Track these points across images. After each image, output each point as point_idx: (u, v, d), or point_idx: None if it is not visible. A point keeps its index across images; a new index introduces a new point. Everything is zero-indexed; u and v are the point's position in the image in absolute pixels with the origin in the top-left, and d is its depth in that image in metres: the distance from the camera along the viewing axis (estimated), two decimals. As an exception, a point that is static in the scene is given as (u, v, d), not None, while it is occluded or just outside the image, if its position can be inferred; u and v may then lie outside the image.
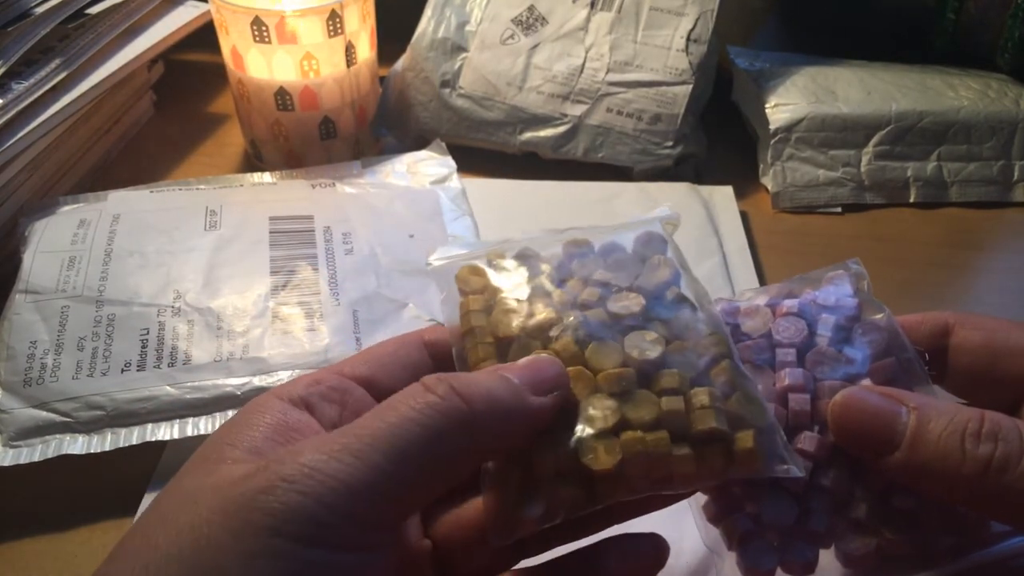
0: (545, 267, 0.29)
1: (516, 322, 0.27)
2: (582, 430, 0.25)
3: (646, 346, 0.26)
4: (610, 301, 0.27)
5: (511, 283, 0.28)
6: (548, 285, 0.28)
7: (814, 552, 0.25)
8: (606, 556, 0.26)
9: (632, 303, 0.27)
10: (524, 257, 0.30)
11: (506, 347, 0.27)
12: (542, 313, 0.27)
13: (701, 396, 0.25)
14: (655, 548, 0.26)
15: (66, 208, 0.50)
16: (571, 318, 0.27)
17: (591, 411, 0.25)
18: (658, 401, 0.25)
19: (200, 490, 0.21)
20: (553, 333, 0.27)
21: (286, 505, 0.20)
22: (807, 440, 0.26)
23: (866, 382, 0.27)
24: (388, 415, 0.22)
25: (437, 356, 0.28)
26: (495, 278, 0.29)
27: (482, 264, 0.29)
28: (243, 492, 0.20)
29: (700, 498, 0.28)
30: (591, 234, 0.30)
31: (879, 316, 0.28)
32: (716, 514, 0.27)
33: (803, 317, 0.28)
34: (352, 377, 0.26)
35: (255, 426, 0.23)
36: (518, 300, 0.28)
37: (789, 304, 0.28)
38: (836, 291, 0.29)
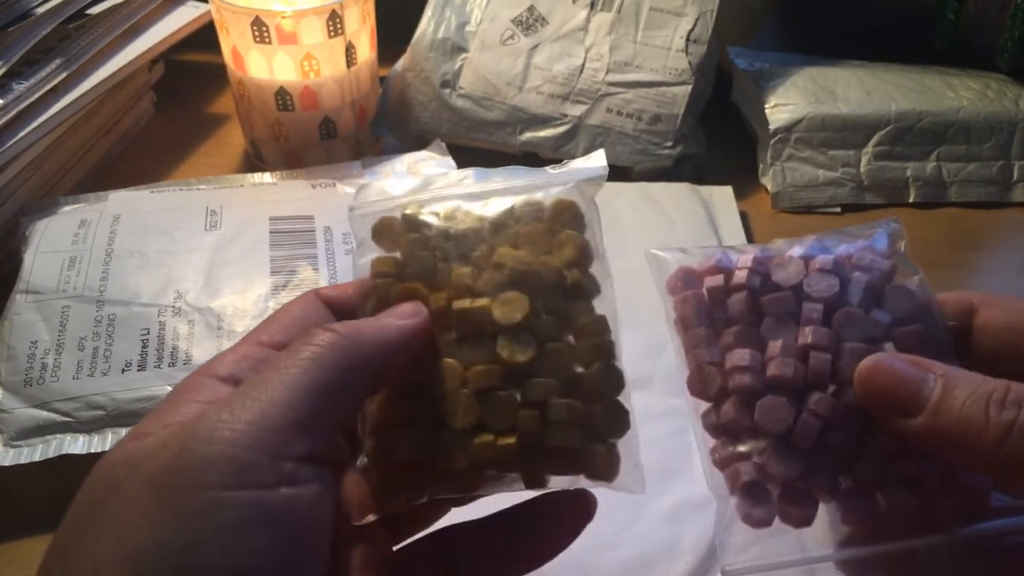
0: (458, 228, 0.28)
1: (419, 295, 0.27)
2: (440, 425, 0.25)
3: (518, 348, 0.26)
4: (495, 306, 0.26)
5: (421, 248, 0.28)
6: (454, 257, 0.28)
7: (813, 507, 0.26)
8: (531, 516, 0.27)
9: (516, 310, 0.26)
10: (447, 217, 0.28)
11: None
12: (441, 293, 0.27)
13: (560, 410, 0.25)
14: (581, 505, 0.27)
15: (67, 208, 0.50)
16: (465, 304, 0.26)
17: (451, 407, 0.25)
18: (517, 410, 0.25)
19: (121, 470, 0.21)
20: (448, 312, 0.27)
21: (203, 459, 0.20)
22: (819, 402, 0.26)
23: (889, 346, 0.26)
24: (282, 363, 0.23)
25: (338, 313, 0.29)
26: (409, 238, 0.28)
27: (399, 217, 0.28)
28: (160, 462, 0.20)
29: (709, 441, 0.28)
30: (518, 181, 0.29)
31: (913, 279, 0.28)
32: (722, 459, 0.27)
33: (836, 274, 0.27)
34: (271, 345, 0.26)
35: (184, 403, 0.24)
36: (424, 269, 0.27)
37: (823, 259, 0.28)
38: (871, 250, 0.28)
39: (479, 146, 0.60)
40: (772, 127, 0.59)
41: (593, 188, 0.30)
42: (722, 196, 0.57)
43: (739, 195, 0.57)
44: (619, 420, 0.26)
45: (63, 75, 0.52)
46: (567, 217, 0.28)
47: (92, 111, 0.56)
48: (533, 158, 0.59)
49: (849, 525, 0.26)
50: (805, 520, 0.26)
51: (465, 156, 0.58)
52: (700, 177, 0.59)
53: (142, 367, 0.40)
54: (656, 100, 0.58)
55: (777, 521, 0.26)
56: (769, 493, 0.26)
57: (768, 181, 0.59)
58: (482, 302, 0.26)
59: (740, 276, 0.28)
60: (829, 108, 0.59)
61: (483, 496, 0.26)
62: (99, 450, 0.38)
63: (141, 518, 0.20)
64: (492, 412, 0.25)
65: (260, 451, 0.21)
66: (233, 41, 0.54)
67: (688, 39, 0.59)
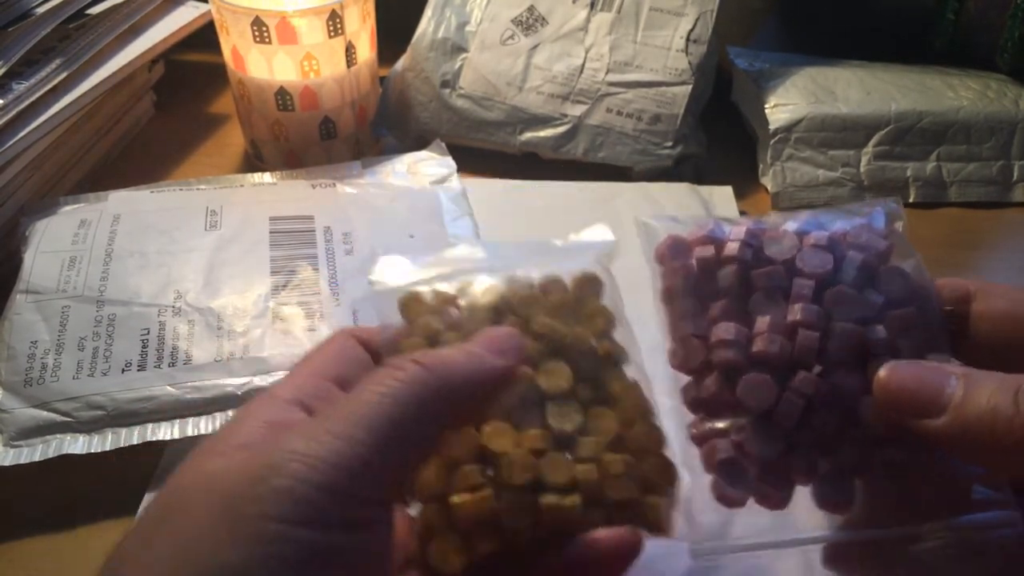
0: (483, 302, 0.28)
1: None
2: (499, 486, 0.25)
3: (566, 414, 0.26)
4: (540, 375, 0.27)
5: (449, 321, 0.28)
6: (486, 325, 0.28)
7: (790, 489, 0.25)
8: (581, 555, 0.26)
9: (561, 379, 0.27)
10: (471, 292, 0.29)
11: None
12: None
13: (617, 464, 0.26)
14: (630, 548, 0.26)
15: (67, 208, 0.50)
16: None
17: (507, 467, 0.25)
18: (574, 466, 0.25)
19: (192, 489, 0.22)
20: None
21: (274, 490, 0.20)
22: (804, 381, 0.25)
23: (881, 328, 0.26)
24: (362, 395, 0.23)
25: (374, 354, 0.29)
26: (433, 315, 0.28)
27: (425, 292, 0.29)
28: (233, 485, 0.21)
29: (687, 416, 0.27)
30: (534, 254, 0.30)
31: (910, 260, 0.27)
32: (699, 435, 0.27)
33: (830, 251, 0.27)
34: (327, 378, 0.27)
35: (251, 422, 0.24)
36: (461, 338, 0.27)
37: (818, 235, 0.27)
38: (868, 228, 0.28)
39: (479, 146, 0.60)
40: (772, 127, 0.59)
41: (607, 259, 0.31)
42: (722, 196, 0.57)
43: (739, 195, 0.57)
44: (668, 471, 0.27)
45: (63, 75, 0.52)
46: (591, 289, 0.30)
47: (92, 111, 0.56)
48: (533, 158, 0.59)
49: (826, 510, 0.25)
50: (781, 502, 0.25)
51: (465, 156, 0.58)
52: (700, 177, 0.59)
53: (142, 367, 0.40)
54: (656, 100, 0.58)
55: (751, 502, 0.25)
56: (746, 472, 0.25)
57: (768, 181, 0.59)
58: (523, 372, 0.27)
59: (732, 248, 0.27)
60: (829, 108, 0.59)
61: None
62: (99, 450, 0.38)
63: (208, 538, 0.20)
64: (551, 469, 0.25)
65: (331, 491, 0.21)
66: (233, 41, 0.54)
67: (688, 39, 0.59)
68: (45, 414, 0.39)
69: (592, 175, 0.58)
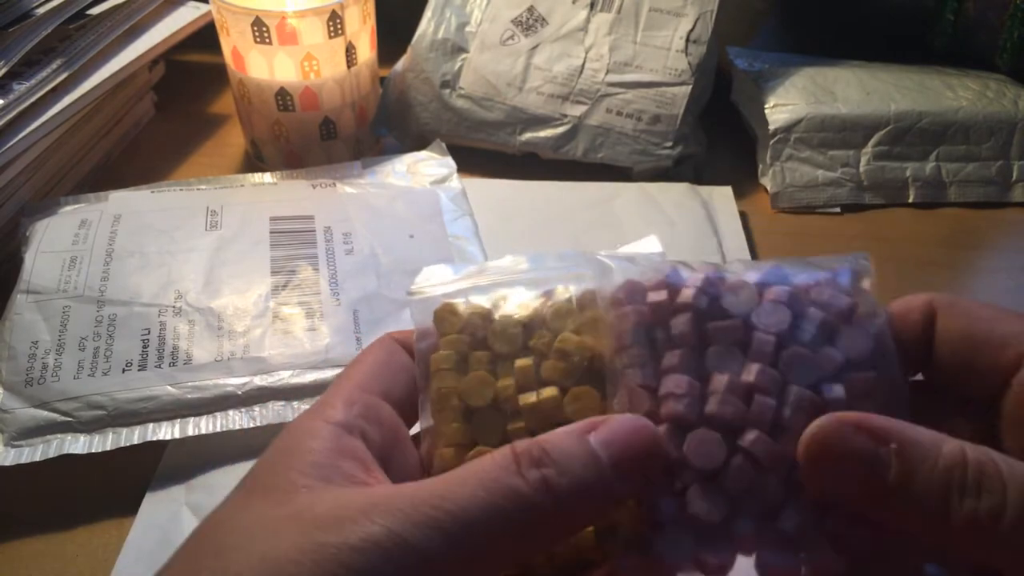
0: (517, 316, 0.28)
1: (486, 392, 0.26)
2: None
3: None
4: (568, 398, 0.26)
5: (485, 332, 0.27)
6: (516, 343, 0.27)
7: (732, 555, 0.24)
8: None
9: (587, 407, 0.26)
10: (507, 303, 0.28)
11: (474, 416, 0.26)
12: (507, 383, 0.26)
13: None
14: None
15: (67, 208, 0.50)
16: (531, 398, 0.26)
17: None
18: None
19: (282, 520, 0.21)
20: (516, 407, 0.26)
21: (372, 567, 0.20)
22: (756, 442, 0.24)
23: (839, 389, 0.24)
24: (476, 489, 0.21)
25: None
26: (472, 325, 0.27)
27: (460, 304, 0.28)
28: (334, 542, 0.20)
29: None
30: (574, 267, 0.29)
31: (875, 320, 0.26)
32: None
33: (790, 307, 0.25)
34: (374, 392, 0.26)
35: (315, 450, 0.23)
36: (490, 360, 0.27)
37: (779, 290, 0.26)
38: (832, 285, 0.26)
39: (479, 146, 0.60)
40: (772, 127, 0.59)
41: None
42: (722, 196, 0.57)
43: (739, 195, 0.58)
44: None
45: (64, 75, 0.52)
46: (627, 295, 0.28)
47: (93, 111, 0.57)
48: (533, 158, 0.59)
49: None
50: (720, 569, 0.24)
51: (465, 156, 0.58)
52: (700, 177, 0.59)
53: (143, 367, 0.40)
54: (656, 100, 0.58)
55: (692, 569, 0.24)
56: (685, 534, 0.24)
57: (768, 181, 0.59)
58: (549, 393, 0.26)
59: (687, 295, 0.25)
60: (829, 108, 0.59)
61: None
62: (100, 450, 0.38)
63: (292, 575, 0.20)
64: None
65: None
66: (233, 41, 0.54)
67: (688, 39, 0.59)
68: (46, 414, 0.39)
69: (592, 175, 0.58)
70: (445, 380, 0.27)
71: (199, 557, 0.22)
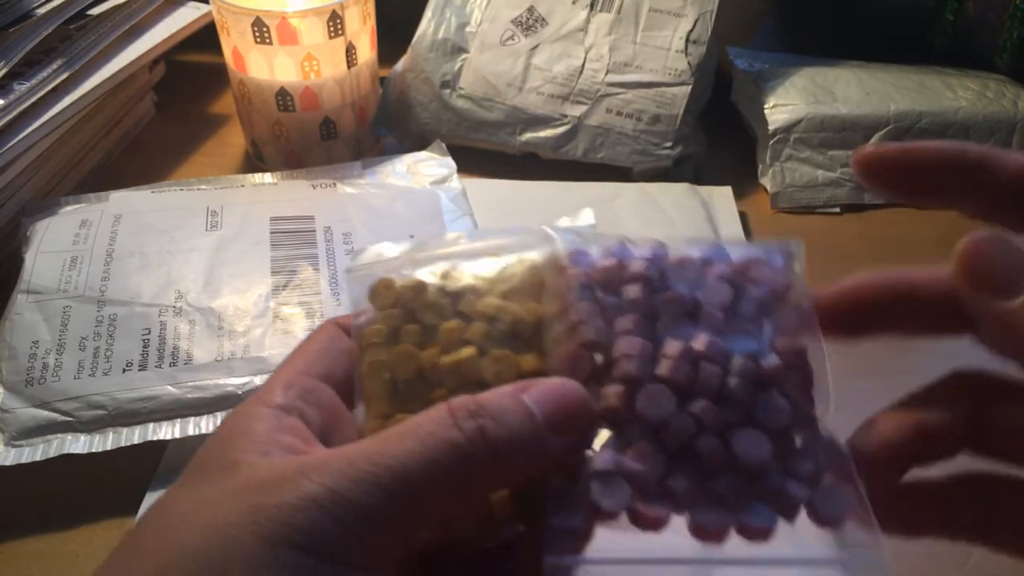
0: (454, 287, 0.28)
1: (411, 363, 0.27)
2: None
3: None
4: (488, 360, 0.26)
5: (416, 305, 0.28)
6: (445, 312, 0.27)
7: (667, 512, 0.24)
8: None
9: (506, 370, 0.26)
10: (443, 276, 0.29)
11: (401, 387, 0.27)
12: (432, 353, 0.27)
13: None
14: None
15: (68, 208, 0.50)
16: (451, 357, 0.26)
17: None
18: None
19: (221, 493, 0.22)
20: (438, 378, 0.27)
21: (314, 525, 0.20)
22: (705, 410, 0.25)
23: (774, 357, 0.26)
24: (414, 444, 0.22)
25: None
26: (404, 299, 0.28)
27: (396, 279, 0.28)
28: (272, 503, 0.21)
29: None
30: (512, 239, 0.30)
31: (803, 302, 0.27)
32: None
33: (731, 284, 0.27)
34: (314, 376, 0.26)
35: (253, 433, 0.24)
36: (421, 332, 0.27)
37: (721, 268, 0.27)
38: (768, 266, 0.28)
39: (479, 146, 0.60)
40: (772, 127, 0.59)
41: (583, 242, 0.30)
42: (722, 196, 0.57)
43: (739, 195, 0.58)
44: None
45: (64, 76, 0.52)
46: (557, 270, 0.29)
47: (93, 112, 0.57)
48: (533, 158, 0.59)
49: (699, 539, 0.25)
50: (655, 524, 0.24)
51: (465, 156, 0.58)
52: (700, 177, 0.59)
53: (143, 367, 0.40)
54: (656, 100, 0.58)
55: (627, 521, 0.25)
56: (624, 488, 0.24)
57: (767, 181, 0.59)
58: (467, 352, 0.26)
59: (638, 265, 0.27)
60: (828, 108, 0.59)
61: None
62: (100, 450, 0.38)
63: (236, 540, 0.20)
64: None
65: (364, 540, 0.21)
66: (234, 41, 0.54)
67: (688, 40, 0.59)
68: (46, 414, 0.39)
69: (592, 175, 0.58)
70: (376, 354, 0.27)
71: (143, 536, 0.22)
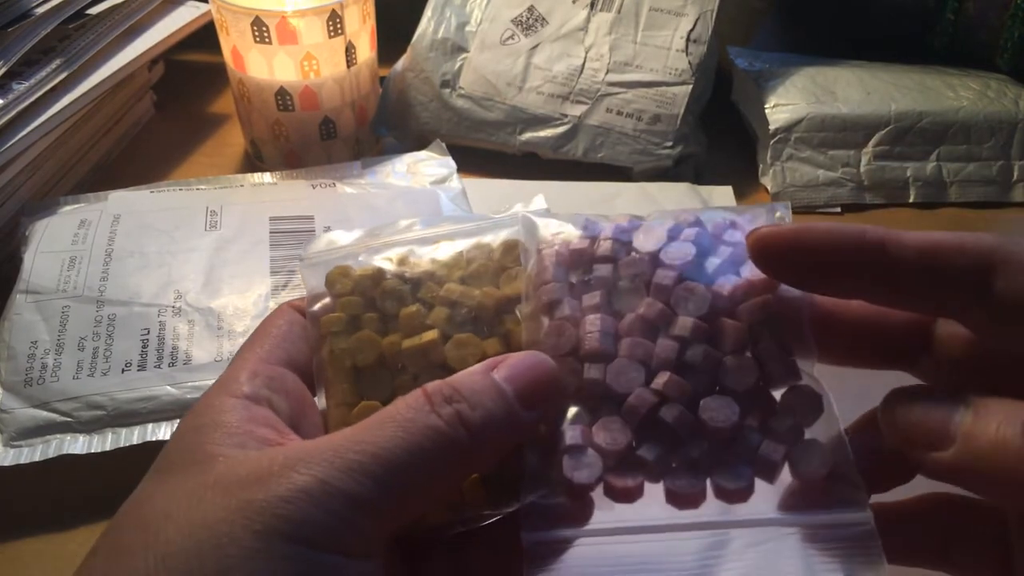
0: (411, 273, 0.28)
1: (372, 350, 0.27)
2: None
3: None
4: (451, 345, 0.27)
5: (375, 292, 0.28)
6: (405, 299, 0.28)
7: (639, 482, 0.25)
8: None
9: (470, 354, 0.26)
10: (400, 262, 0.29)
11: (362, 374, 0.27)
12: (393, 339, 0.27)
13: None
14: None
15: (67, 208, 0.50)
16: (413, 341, 0.27)
17: None
18: None
19: (203, 488, 0.21)
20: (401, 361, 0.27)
21: (305, 515, 0.20)
22: (665, 382, 0.25)
23: (732, 322, 0.25)
24: (395, 431, 0.22)
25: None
26: (362, 286, 0.28)
27: (352, 267, 0.28)
28: (262, 497, 0.21)
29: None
30: (465, 225, 0.30)
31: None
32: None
33: (696, 244, 0.26)
34: (277, 364, 0.26)
35: (225, 425, 0.23)
36: (380, 319, 0.27)
37: (689, 231, 0.27)
38: (743, 227, 0.27)
39: (479, 146, 0.60)
40: (772, 127, 0.59)
41: (536, 227, 0.30)
42: (722, 196, 0.57)
43: (739, 195, 0.57)
44: None
45: (63, 75, 0.52)
46: (515, 255, 0.29)
47: (92, 111, 0.56)
48: (533, 158, 0.59)
49: (675, 505, 0.25)
50: (628, 495, 0.24)
51: (465, 156, 0.58)
52: (700, 177, 0.59)
53: (142, 367, 0.40)
54: (656, 100, 0.58)
55: (601, 494, 0.25)
56: (594, 459, 0.24)
57: (768, 181, 0.59)
58: (429, 336, 0.27)
59: (605, 246, 0.27)
60: (829, 108, 0.59)
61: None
62: (99, 450, 0.38)
63: (228, 537, 0.20)
64: None
65: (354, 528, 0.21)
66: (233, 41, 0.54)
67: (688, 39, 0.59)
68: (45, 414, 0.39)
69: (592, 175, 0.58)
70: (337, 342, 0.27)
71: (123, 535, 0.22)
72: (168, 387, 0.40)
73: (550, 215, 0.29)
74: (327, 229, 0.48)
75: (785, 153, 0.59)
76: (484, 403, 0.23)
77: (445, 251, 0.29)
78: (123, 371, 0.40)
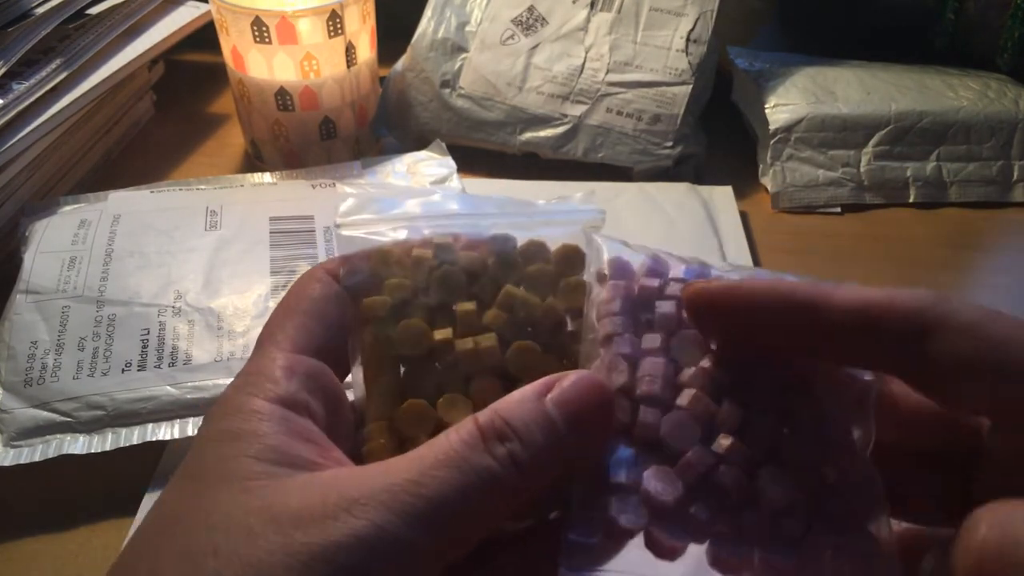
0: (461, 263, 0.27)
1: (423, 340, 0.26)
2: None
3: None
4: (512, 351, 0.26)
5: (421, 281, 0.27)
6: (458, 291, 0.27)
7: (684, 541, 0.24)
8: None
9: (531, 360, 0.26)
10: (442, 247, 0.27)
11: (408, 366, 0.26)
12: (445, 334, 0.26)
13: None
14: None
15: (67, 208, 0.50)
16: (469, 344, 0.26)
17: None
18: None
19: (248, 516, 0.21)
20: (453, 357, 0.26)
21: (362, 564, 0.20)
22: (731, 450, 0.24)
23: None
24: (450, 472, 0.21)
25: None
26: (404, 273, 0.27)
27: (398, 248, 0.27)
28: (318, 542, 0.20)
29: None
30: (515, 219, 0.29)
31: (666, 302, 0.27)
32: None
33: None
34: (312, 352, 0.25)
35: (265, 434, 0.22)
36: (427, 308, 0.26)
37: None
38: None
39: (479, 146, 0.60)
40: (772, 127, 0.59)
41: (593, 229, 0.30)
42: (722, 196, 0.57)
43: (739, 195, 0.57)
44: None
45: (63, 75, 0.52)
46: (572, 263, 0.28)
47: (92, 111, 0.56)
48: (533, 158, 0.59)
49: (718, 570, 0.24)
50: (671, 553, 0.24)
51: (465, 156, 0.58)
52: (700, 177, 0.59)
53: (142, 367, 0.40)
54: (656, 100, 0.58)
55: (641, 543, 0.24)
56: (641, 508, 0.24)
57: (768, 181, 0.59)
58: (488, 341, 0.26)
59: (674, 288, 0.26)
60: (829, 108, 0.59)
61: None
62: (99, 450, 0.38)
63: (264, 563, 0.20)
64: None
65: (403, 572, 0.20)
66: (233, 41, 0.54)
67: (688, 39, 0.59)
68: (45, 414, 0.39)
69: (592, 175, 0.58)
70: (381, 328, 0.26)
71: (162, 558, 0.21)
72: (168, 387, 0.40)
73: (618, 242, 0.28)
74: (327, 229, 0.48)
75: (785, 153, 0.59)
76: (536, 439, 0.22)
77: (498, 244, 0.28)
78: (123, 371, 0.40)
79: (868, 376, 0.25)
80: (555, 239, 0.28)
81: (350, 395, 0.26)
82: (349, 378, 0.26)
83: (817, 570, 0.24)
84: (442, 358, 0.26)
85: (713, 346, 0.25)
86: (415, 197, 0.29)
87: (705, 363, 0.25)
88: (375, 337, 0.26)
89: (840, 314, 0.23)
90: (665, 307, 0.26)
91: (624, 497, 0.24)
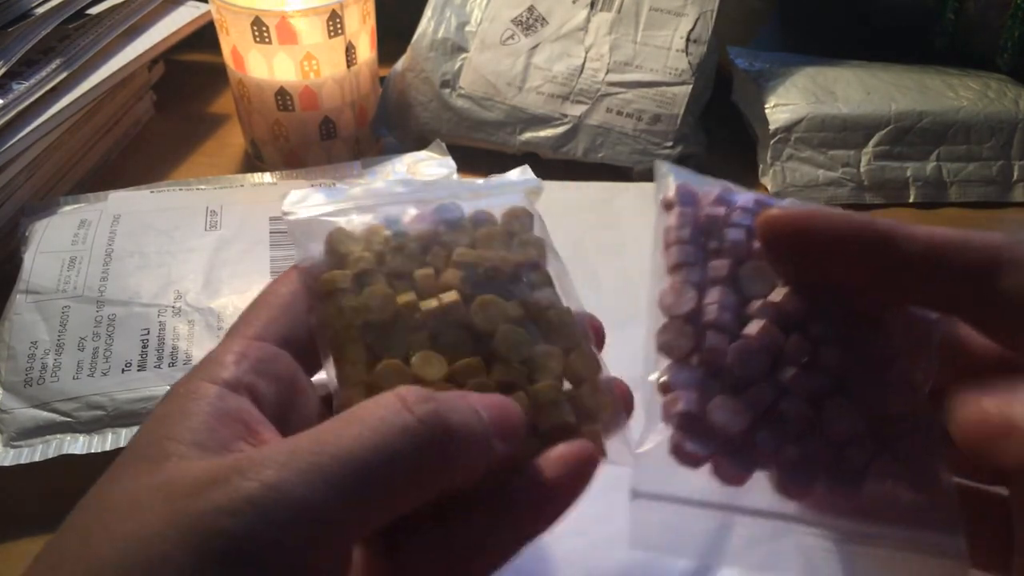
0: (413, 233, 0.28)
1: (388, 305, 0.26)
2: None
3: (513, 351, 0.26)
4: (476, 306, 0.26)
5: (379, 252, 0.27)
6: (415, 259, 0.27)
7: (749, 468, 0.24)
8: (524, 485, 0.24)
9: (496, 314, 0.26)
10: (391, 220, 0.28)
11: (376, 332, 0.26)
12: (408, 297, 0.26)
13: (549, 392, 0.25)
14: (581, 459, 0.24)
15: (67, 208, 0.50)
16: (433, 303, 0.26)
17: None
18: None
19: (146, 492, 0.20)
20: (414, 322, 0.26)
21: (251, 530, 0.18)
22: (795, 380, 0.24)
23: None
24: (362, 430, 0.20)
25: None
26: (362, 246, 0.27)
27: (350, 227, 0.28)
28: (201, 508, 0.18)
29: (660, 362, 0.26)
30: (458, 193, 0.30)
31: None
32: (666, 384, 0.25)
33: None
34: (274, 340, 0.24)
35: (192, 415, 0.21)
36: (387, 276, 0.27)
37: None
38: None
39: (479, 146, 0.60)
40: (772, 127, 0.59)
41: (534, 196, 0.31)
42: (722, 196, 0.57)
43: (739, 195, 0.57)
44: (604, 397, 0.26)
45: (63, 75, 0.52)
46: (522, 221, 0.29)
47: (92, 111, 0.56)
48: (533, 158, 0.59)
49: (785, 496, 0.24)
50: (737, 480, 0.24)
51: (465, 156, 0.58)
52: (700, 177, 0.59)
53: (142, 367, 0.40)
54: (656, 100, 0.58)
55: (705, 472, 0.24)
56: (706, 435, 0.24)
57: (768, 181, 0.59)
58: (450, 297, 0.26)
59: (741, 216, 0.27)
60: (829, 108, 0.59)
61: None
62: (99, 450, 0.38)
63: (161, 555, 0.18)
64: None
65: (309, 541, 0.19)
66: (233, 41, 0.54)
67: (688, 39, 0.59)
68: (45, 414, 0.39)
69: (592, 175, 0.58)
70: (346, 300, 0.26)
71: (64, 539, 0.20)
72: (168, 387, 0.40)
73: (685, 170, 0.29)
74: (327, 229, 0.48)
75: (785, 153, 0.59)
76: (462, 411, 0.22)
77: (443, 214, 0.29)
78: (123, 371, 0.40)
79: (934, 316, 0.25)
80: (500, 207, 0.30)
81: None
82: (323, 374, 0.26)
83: (879, 498, 0.24)
84: (408, 321, 0.26)
85: (779, 280, 0.26)
86: (356, 187, 0.30)
87: (774, 296, 0.25)
88: (340, 308, 0.26)
89: (917, 246, 0.23)
90: (735, 234, 0.26)
91: (690, 425, 0.24)
